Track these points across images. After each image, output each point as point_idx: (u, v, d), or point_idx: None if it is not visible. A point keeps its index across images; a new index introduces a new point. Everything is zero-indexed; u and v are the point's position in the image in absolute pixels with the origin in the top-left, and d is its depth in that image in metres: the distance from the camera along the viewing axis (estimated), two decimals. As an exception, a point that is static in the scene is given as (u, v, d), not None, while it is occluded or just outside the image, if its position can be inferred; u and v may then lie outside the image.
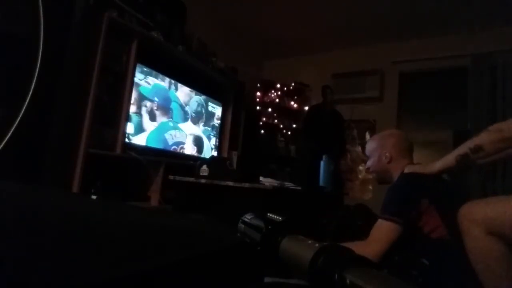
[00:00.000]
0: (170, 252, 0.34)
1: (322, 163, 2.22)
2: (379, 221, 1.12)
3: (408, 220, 1.09)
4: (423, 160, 1.35)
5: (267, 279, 0.76)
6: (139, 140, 2.51)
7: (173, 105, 2.87)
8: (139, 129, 2.51)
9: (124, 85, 2.38)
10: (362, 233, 1.31)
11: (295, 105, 4.17)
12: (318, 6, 3.22)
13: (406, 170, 1.26)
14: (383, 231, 1.10)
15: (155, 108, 2.65)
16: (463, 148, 1.08)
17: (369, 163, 1.40)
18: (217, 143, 3.50)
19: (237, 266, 0.39)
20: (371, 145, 1.41)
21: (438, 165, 1.16)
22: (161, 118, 2.72)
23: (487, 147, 1.02)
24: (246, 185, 1.71)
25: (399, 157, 1.31)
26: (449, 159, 1.13)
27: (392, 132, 1.45)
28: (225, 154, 3.42)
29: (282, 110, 4.14)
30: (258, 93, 4.11)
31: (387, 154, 1.32)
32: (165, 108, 2.77)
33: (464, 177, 2.99)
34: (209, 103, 3.36)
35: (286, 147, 4.11)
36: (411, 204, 1.11)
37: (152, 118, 2.63)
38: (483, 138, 1.05)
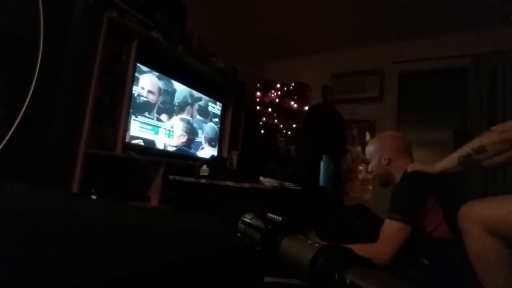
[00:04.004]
0: (170, 252, 0.34)
1: (322, 163, 2.22)
2: (387, 221, 1.12)
3: (415, 219, 1.09)
4: (423, 160, 1.35)
5: (267, 279, 0.75)
6: (140, 140, 2.50)
7: (174, 105, 2.87)
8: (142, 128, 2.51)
9: (124, 85, 2.38)
10: (362, 233, 1.31)
11: (295, 105, 4.16)
12: (318, 6, 3.22)
13: (408, 169, 1.25)
14: (393, 232, 1.09)
15: (156, 107, 2.66)
16: (466, 149, 1.07)
17: (370, 166, 1.41)
18: (217, 143, 3.50)
19: (237, 266, 0.39)
20: (370, 148, 1.41)
21: (439, 165, 1.16)
22: (161, 118, 2.72)
23: (490, 148, 1.02)
24: (246, 185, 1.71)
25: (399, 158, 1.31)
26: (451, 159, 1.13)
27: (389, 133, 1.45)
28: (225, 154, 3.42)
29: (282, 110, 4.14)
30: (258, 93, 4.11)
31: (385, 156, 1.32)
32: (166, 108, 2.77)
33: (465, 178, 2.99)
34: (209, 103, 3.36)
35: (286, 147, 4.11)
36: (418, 203, 1.11)
37: (153, 118, 2.63)
38: (486, 139, 1.04)
